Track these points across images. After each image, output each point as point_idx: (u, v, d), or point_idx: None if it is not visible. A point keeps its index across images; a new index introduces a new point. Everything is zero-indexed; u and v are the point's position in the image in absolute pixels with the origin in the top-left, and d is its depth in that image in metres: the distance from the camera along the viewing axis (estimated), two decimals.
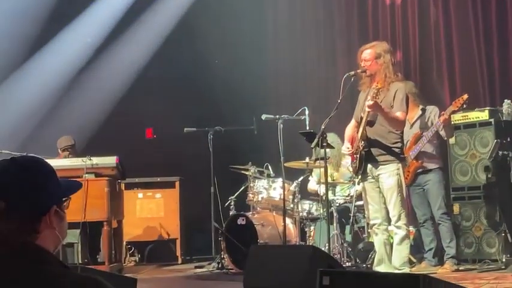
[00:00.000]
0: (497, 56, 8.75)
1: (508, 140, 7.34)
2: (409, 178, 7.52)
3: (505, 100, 8.01)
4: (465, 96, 7.13)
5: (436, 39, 9.48)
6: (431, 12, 9.61)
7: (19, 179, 2.02)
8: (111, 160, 7.92)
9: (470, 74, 8.99)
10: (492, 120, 7.79)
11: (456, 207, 7.99)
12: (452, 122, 7.59)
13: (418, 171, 7.59)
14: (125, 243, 9.22)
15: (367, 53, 6.28)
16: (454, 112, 7.30)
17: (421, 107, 7.75)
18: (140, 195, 9.79)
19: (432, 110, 7.70)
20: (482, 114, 7.91)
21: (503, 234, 7.51)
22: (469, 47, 9.04)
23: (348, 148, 6.29)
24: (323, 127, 6.14)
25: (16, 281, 1.89)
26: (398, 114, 6.07)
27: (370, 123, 6.06)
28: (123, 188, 8.87)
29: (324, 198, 7.86)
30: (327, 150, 6.35)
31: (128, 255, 9.64)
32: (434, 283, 3.52)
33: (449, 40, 9.33)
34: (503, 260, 7.36)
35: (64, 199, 2.13)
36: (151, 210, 9.84)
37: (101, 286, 1.93)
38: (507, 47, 8.66)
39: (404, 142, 7.56)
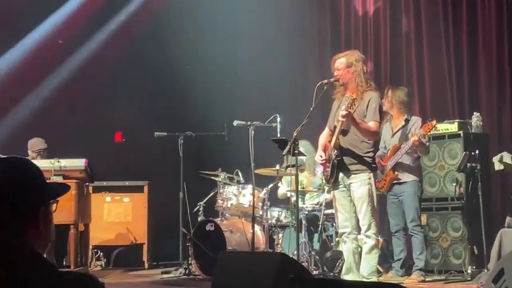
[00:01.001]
0: (466, 69, 8.86)
1: (477, 152, 7.40)
2: (386, 187, 7.56)
3: (474, 113, 8.12)
4: (434, 122, 7.21)
5: (407, 50, 9.58)
6: (403, 24, 9.70)
7: (8, 178, 1.99)
8: (79, 163, 7.85)
9: (440, 86, 9.09)
10: (461, 132, 7.88)
11: (424, 218, 8.05)
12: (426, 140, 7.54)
13: (394, 181, 7.62)
14: (91, 247, 9.13)
15: (339, 62, 6.30)
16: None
17: (405, 117, 7.69)
18: (108, 198, 9.68)
19: (415, 122, 7.62)
20: (452, 126, 8.00)
21: (469, 246, 7.59)
22: (439, 60, 9.14)
23: (321, 156, 6.29)
24: (295, 134, 6.12)
25: (11, 284, 1.85)
26: (371, 124, 6.07)
27: (344, 132, 6.06)
28: (91, 191, 8.78)
29: (293, 205, 7.88)
30: (302, 157, 6.36)
31: (94, 260, 9.52)
32: None
33: (420, 52, 9.43)
34: (469, 271, 7.44)
35: (51, 201, 2.10)
36: (119, 215, 9.73)
37: (95, 282, 1.92)
38: (477, 60, 8.78)
39: (386, 149, 7.64)
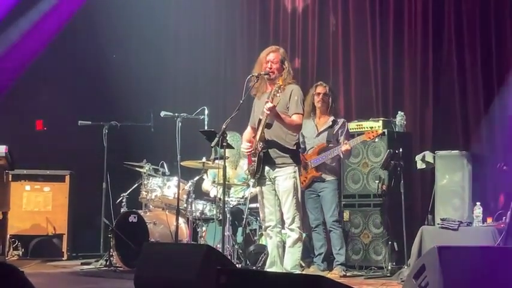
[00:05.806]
0: (392, 68, 8.98)
1: (400, 150, 7.54)
2: (305, 183, 7.61)
3: (399, 112, 8.27)
4: (380, 131, 7.46)
5: (334, 48, 9.66)
6: (331, 23, 9.79)
7: None
8: None
9: (365, 85, 9.21)
10: (385, 130, 8.01)
11: (346, 214, 8.19)
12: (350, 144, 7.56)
13: (315, 180, 7.69)
14: (9, 236, 8.92)
15: (274, 55, 6.27)
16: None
17: (332, 118, 7.76)
18: (28, 187, 9.46)
19: (341, 125, 7.69)
20: (376, 125, 8.12)
21: (390, 243, 7.71)
22: (365, 58, 9.25)
23: (247, 146, 6.27)
24: (224, 127, 6.09)
25: None
26: (295, 117, 6.09)
27: (268, 125, 6.04)
28: (10, 179, 8.56)
29: (217, 198, 7.87)
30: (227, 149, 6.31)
31: (12, 249, 9.30)
32: (332, 285, 3.56)
33: (346, 50, 9.52)
34: (389, 267, 7.57)
35: None
36: (38, 204, 9.52)
37: (15, 270, 1.86)
38: (402, 59, 8.91)
39: (307, 148, 7.69)
